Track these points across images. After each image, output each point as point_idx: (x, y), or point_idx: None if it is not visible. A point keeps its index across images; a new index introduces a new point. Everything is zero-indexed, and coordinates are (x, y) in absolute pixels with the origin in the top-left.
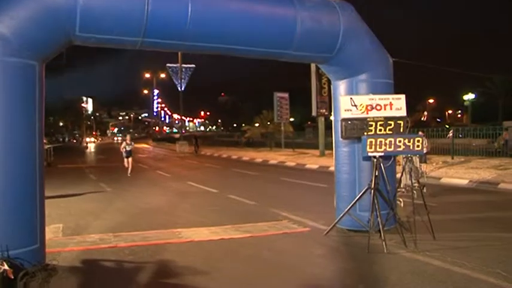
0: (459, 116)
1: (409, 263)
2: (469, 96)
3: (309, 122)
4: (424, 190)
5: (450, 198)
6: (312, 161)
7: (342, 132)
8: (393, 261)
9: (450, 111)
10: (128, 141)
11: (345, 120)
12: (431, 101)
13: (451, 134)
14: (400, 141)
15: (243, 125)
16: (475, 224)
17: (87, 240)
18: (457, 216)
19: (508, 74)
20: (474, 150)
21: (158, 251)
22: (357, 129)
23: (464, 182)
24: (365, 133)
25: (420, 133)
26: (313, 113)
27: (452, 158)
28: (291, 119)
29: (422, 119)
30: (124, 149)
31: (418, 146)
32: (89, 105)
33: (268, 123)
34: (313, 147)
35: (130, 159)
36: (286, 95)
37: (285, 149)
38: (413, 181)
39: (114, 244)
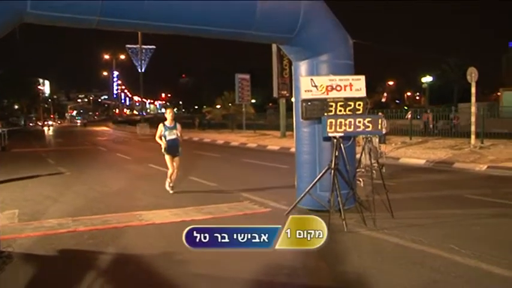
0: (417, 98)
1: (369, 240)
2: (427, 79)
3: (270, 104)
4: (384, 170)
5: (408, 178)
6: (273, 142)
7: (302, 113)
8: (353, 239)
9: (409, 93)
10: (170, 122)
11: (305, 101)
12: (391, 83)
13: (409, 115)
14: (359, 122)
15: (205, 106)
16: (432, 202)
17: (45, 226)
18: (415, 194)
19: (462, 57)
20: (431, 131)
21: (118, 234)
22: (317, 109)
23: (421, 161)
24: (325, 114)
25: (380, 114)
26: (275, 95)
27: (411, 139)
28: (252, 101)
29: (382, 100)
30: (163, 138)
31: (377, 127)
32: (45, 87)
33: (230, 104)
34: (275, 128)
35: (177, 159)
36: (247, 76)
37: (247, 130)
38: (373, 161)
39: (73, 229)
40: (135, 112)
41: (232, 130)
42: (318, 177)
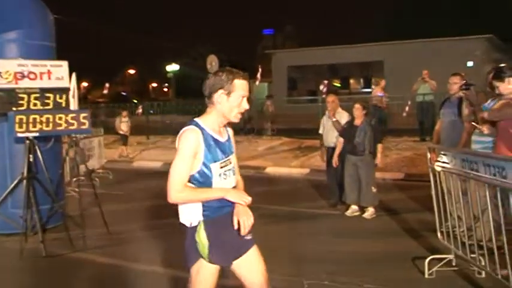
0: (166, 89)
1: (70, 264)
2: (172, 67)
3: None
4: (110, 176)
5: (138, 185)
6: None
7: None
8: (52, 265)
9: (155, 84)
10: (217, 128)
11: None
12: (132, 71)
13: (140, 111)
14: (61, 119)
15: None
16: (156, 211)
17: None
18: (142, 203)
19: (215, 45)
20: (174, 129)
21: None
22: (3, 103)
23: (158, 164)
24: (14, 108)
25: (125, 113)
26: None
27: (148, 138)
28: None
29: (104, 91)
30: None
31: (84, 124)
32: None
33: None
34: None
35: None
36: None
37: None
38: (97, 166)
39: None
40: None
41: None
42: (8, 190)
